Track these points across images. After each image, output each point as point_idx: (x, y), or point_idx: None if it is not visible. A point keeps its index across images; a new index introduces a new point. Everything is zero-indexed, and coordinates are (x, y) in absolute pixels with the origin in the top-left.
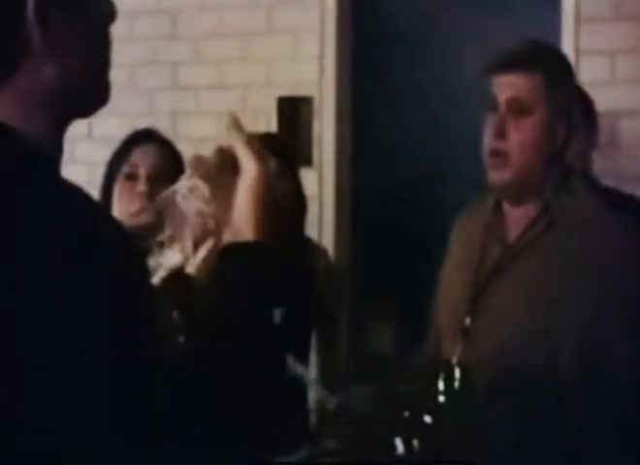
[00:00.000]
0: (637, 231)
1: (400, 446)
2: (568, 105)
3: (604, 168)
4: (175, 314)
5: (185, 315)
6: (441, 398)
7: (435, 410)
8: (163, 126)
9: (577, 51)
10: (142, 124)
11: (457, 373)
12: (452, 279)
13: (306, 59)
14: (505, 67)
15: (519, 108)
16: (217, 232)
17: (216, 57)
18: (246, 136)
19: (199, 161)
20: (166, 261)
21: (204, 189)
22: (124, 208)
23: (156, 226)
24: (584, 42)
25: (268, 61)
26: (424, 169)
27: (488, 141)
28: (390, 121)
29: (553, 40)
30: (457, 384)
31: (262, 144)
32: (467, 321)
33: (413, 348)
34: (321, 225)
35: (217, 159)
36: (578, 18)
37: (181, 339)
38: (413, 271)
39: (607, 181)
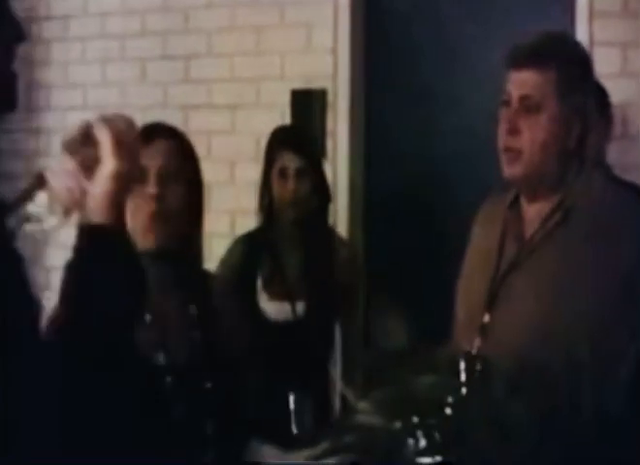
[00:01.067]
0: None
1: (421, 440)
2: (584, 99)
3: (616, 159)
4: (191, 308)
5: (201, 310)
6: (463, 390)
7: (456, 402)
8: (175, 119)
9: (590, 44)
10: (153, 118)
11: (478, 365)
12: (471, 275)
13: (320, 52)
14: (519, 63)
15: (530, 106)
16: (81, 205)
17: (229, 50)
18: (117, 134)
19: (69, 141)
20: (45, 225)
21: (72, 168)
22: (136, 215)
23: (27, 197)
24: (597, 35)
25: (281, 54)
26: (437, 162)
27: (501, 138)
28: (403, 115)
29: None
30: (477, 375)
31: (284, 138)
32: (486, 317)
33: (427, 344)
34: (335, 218)
35: (81, 134)
36: (591, 12)
37: (197, 335)
38: (427, 265)
39: (619, 172)
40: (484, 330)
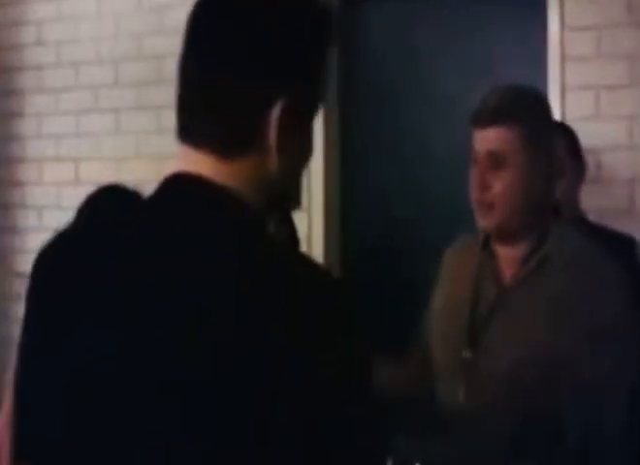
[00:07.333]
0: (625, 265)
1: None
2: (550, 149)
3: (590, 203)
4: None
5: None
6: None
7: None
8: (149, 169)
9: (563, 88)
10: (128, 168)
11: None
12: (447, 318)
13: None
14: (484, 122)
15: (497, 161)
16: None
17: None
18: None
19: None
20: None
21: None
22: None
23: None
24: (569, 78)
25: None
26: (413, 213)
27: (473, 193)
28: (380, 160)
29: (539, 77)
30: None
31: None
32: (467, 353)
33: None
34: None
35: None
36: (563, 56)
37: None
38: (402, 315)
39: (592, 216)
40: (467, 366)
